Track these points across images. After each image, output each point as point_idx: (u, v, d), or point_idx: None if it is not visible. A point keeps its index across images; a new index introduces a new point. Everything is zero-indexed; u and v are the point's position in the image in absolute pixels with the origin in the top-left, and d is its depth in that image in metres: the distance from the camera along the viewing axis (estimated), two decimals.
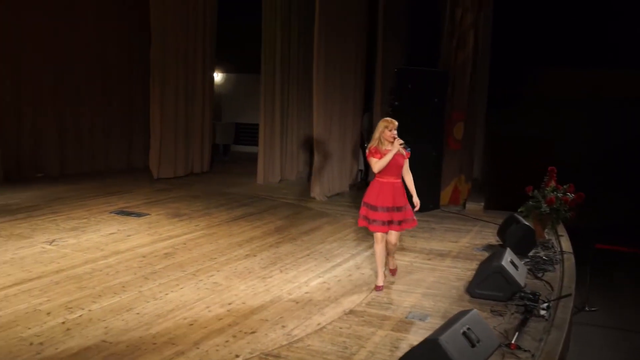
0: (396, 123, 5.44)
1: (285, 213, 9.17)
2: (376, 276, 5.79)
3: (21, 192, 9.95)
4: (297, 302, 5.26)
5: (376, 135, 5.52)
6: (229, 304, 5.16)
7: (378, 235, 5.55)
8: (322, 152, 10.25)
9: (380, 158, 5.45)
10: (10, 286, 5.40)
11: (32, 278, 5.65)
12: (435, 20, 11.38)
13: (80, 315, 4.77)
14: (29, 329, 4.49)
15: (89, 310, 4.88)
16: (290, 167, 12.57)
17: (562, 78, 12.17)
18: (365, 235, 7.83)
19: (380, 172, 5.49)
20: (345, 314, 5.03)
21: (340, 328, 4.70)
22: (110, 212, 8.63)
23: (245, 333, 4.53)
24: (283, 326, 4.69)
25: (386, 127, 5.45)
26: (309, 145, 12.22)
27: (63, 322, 4.62)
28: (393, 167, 5.45)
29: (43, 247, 6.70)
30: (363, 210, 5.60)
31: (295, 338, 4.48)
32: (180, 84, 12.17)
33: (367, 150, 5.55)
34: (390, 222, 5.48)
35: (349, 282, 5.88)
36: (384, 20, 10.69)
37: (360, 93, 11.30)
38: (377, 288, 5.65)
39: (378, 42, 10.78)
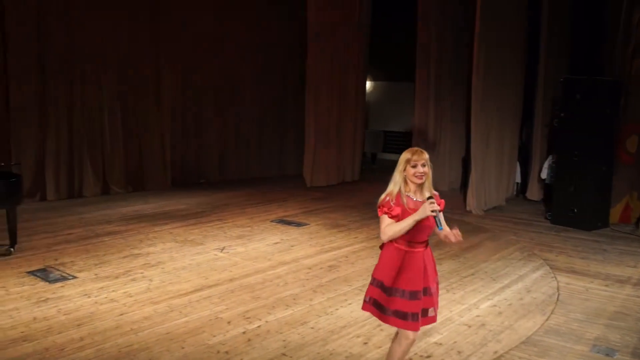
0: (426, 155, 3.47)
1: None
2: None
3: (187, 198, 10.62)
4: (469, 326, 5.10)
5: (396, 176, 3.50)
6: None
7: (409, 333, 3.59)
8: (479, 164, 9.92)
9: (396, 216, 3.44)
10: (192, 292, 5.76)
11: (209, 285, 5.98)
12: (599, 27, 10.65)
13: (258, 326, 4.96)
14: (214, 336, 4.74)
15: (266, 322, 5.06)
16: (442, 178, 12.33)
17: None
18: (531, 255, 7.49)
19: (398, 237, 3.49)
20: (522, 342, 4.80)
21: (520, 358, 4.48)
22: (271, 221, 8.95)
23: (420, 356, 4.47)
24: (459, 352, 4.56)
25: (408, 160, 3.45)
26: (461, 156, 11.93)
27: (244, 332, 4.83)
28: (420, 230, 3.49)
29: (215, 254, 7.08)
30: (374, 292, 3.60)
31: None
32: (333, 93, 12.38)
33: (378, 203, 3.51)
34: (424, 313, 3.60)
35: (521, 307, 5.61)
36: (547, 28, 10.21)
37: (519, 103, 10.84)
38: None
39: (540, 52, 10.34)
